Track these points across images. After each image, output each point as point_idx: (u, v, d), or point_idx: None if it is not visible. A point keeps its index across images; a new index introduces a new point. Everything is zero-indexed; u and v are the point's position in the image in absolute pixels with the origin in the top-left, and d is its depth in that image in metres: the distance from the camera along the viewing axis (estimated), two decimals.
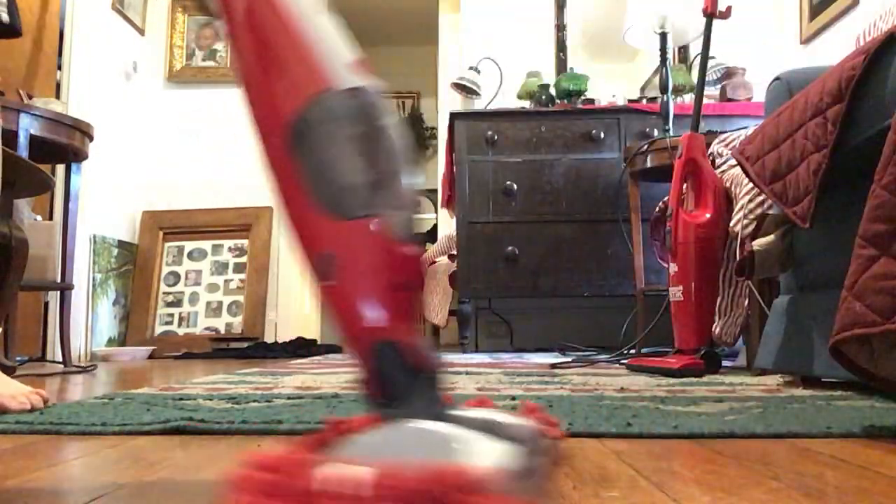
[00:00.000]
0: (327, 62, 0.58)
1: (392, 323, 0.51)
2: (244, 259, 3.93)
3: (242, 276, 3.89)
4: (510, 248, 3.26)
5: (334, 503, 0.39)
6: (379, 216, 0.52)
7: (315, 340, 3.97)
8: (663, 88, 2.82)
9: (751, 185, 1.72)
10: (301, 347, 3.60)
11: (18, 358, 2.32)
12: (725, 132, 2.37)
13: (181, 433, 0.92)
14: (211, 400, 1.23)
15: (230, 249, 3.95)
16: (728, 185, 2.01)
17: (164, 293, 3.86)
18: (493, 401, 1.19)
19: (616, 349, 2.55)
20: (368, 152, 0.55)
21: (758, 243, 1.67)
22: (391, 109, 0.58)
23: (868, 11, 2.66)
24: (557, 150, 3.32)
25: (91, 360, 3.17)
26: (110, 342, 3.60)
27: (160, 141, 4.10)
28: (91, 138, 2.73)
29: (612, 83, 3.81)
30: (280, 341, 3.79)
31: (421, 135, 6.04)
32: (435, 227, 4.93)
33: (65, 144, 2.56)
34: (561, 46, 4.03)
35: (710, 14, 2.12)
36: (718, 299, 2.01)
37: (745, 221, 1.81)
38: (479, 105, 3.89)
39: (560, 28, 4.03)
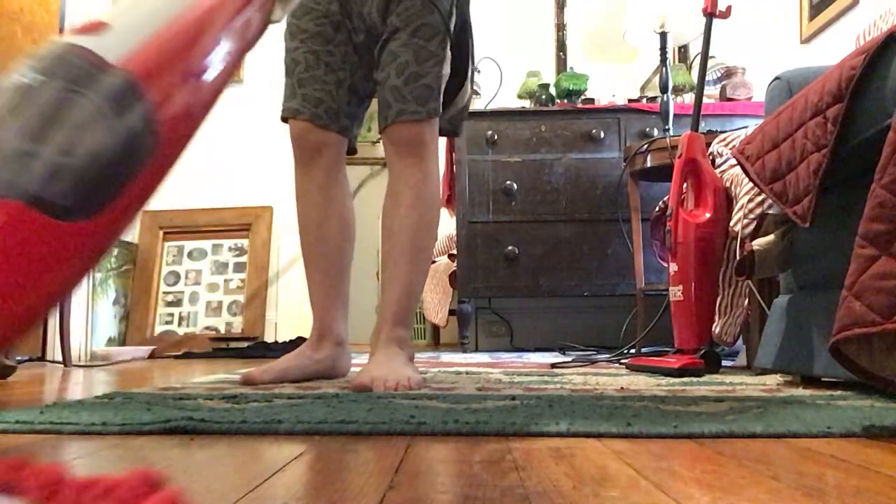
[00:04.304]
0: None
1: None
2: (244, 259, 3.93)
3: (242, 275, 3.89)
4: (510, 247, 3.26)
5: None
6: None
7: None
8: (663, 88, 2.82)
9: (751, 184, 1.72)
10: None
11: (18, 358, 2.32)
12: (725, 132, 2.37)
13: (181, 433, 0.92)
14: (211, 400, 1.23)
15: (230, 249, 3.95)
16: (728, 185, 2.01)
17: (164, 293, 3.86)
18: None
19: (616, 349, 2.55)
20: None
21: (758, 243, 1.67)
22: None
23: (868, 11, 2.66)
24: (557, 149, 3.32)
25: (91, 360, 3.17)
26: (110, 342, 3.60)
27: None
28: None
29: (612, 83, 3.81)
30: (280, 341, 3.79)
31: None
32: None
33: None
34: (561, 46, 4.03)
35: (710, 14, 2.12)
36: (718, 299, 2.01)
37: (745, 221, 1.81)
38: (479, 105, 3.89)
39: (560, 28, 4.03)
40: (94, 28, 0.54)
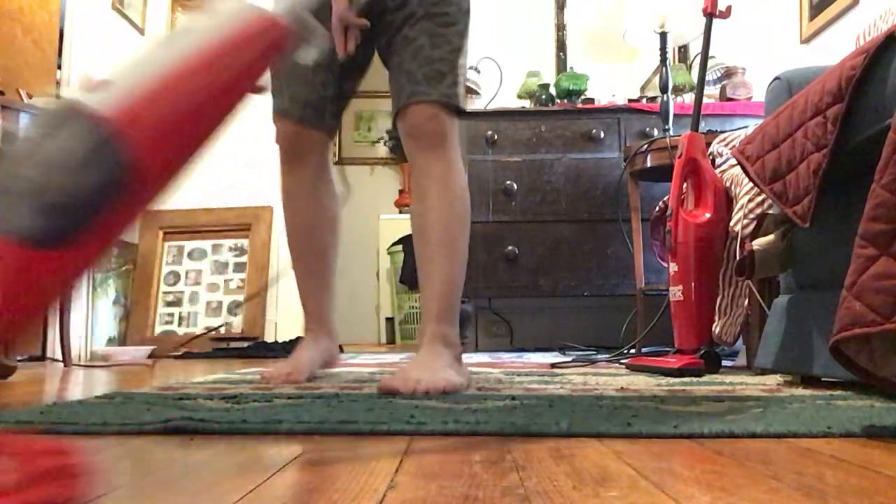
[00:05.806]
0: None
1: None
2: (244, 259, 3.93)
3: (242, 275, 3.89)
4: (510, 247, 3.26)
5: None
6: None
7: None
8: (663, 88, 2.82)
9: (751, 184, 1.72)
10: None
11: (18, 357, 2.32)
12: (725, 132, 2.36)
13: (181, 433, 0.92)
14: (211, 400, 1.23)
15: (230, 249, 3.95)
16: (728, 184, 2.01)
17: (164, 293, 3.86)
18: (491, 401, 1.19)
19: (616, 349, 2.55)
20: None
21: (758, 243, 1.67)
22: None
23: (868, 11, 2.66)
24: (557, 149, 3.32)
25: (91, 360, 3.17)
26: (110, 341, 3.60)
27: None
28: None
29: (612, 83, 3.80)
30: (280, 341, 3.79)
31: None
32: None
33: None
34: (561, 46, 4.03)
35: (710, 14, 2.12)
36: (718, 299, 2.01)
37: (745, 221, 1.81)
38: (479, 105, 3.89)
39: (560, 28, 4.03)
40: (99, 85, 0.63)
